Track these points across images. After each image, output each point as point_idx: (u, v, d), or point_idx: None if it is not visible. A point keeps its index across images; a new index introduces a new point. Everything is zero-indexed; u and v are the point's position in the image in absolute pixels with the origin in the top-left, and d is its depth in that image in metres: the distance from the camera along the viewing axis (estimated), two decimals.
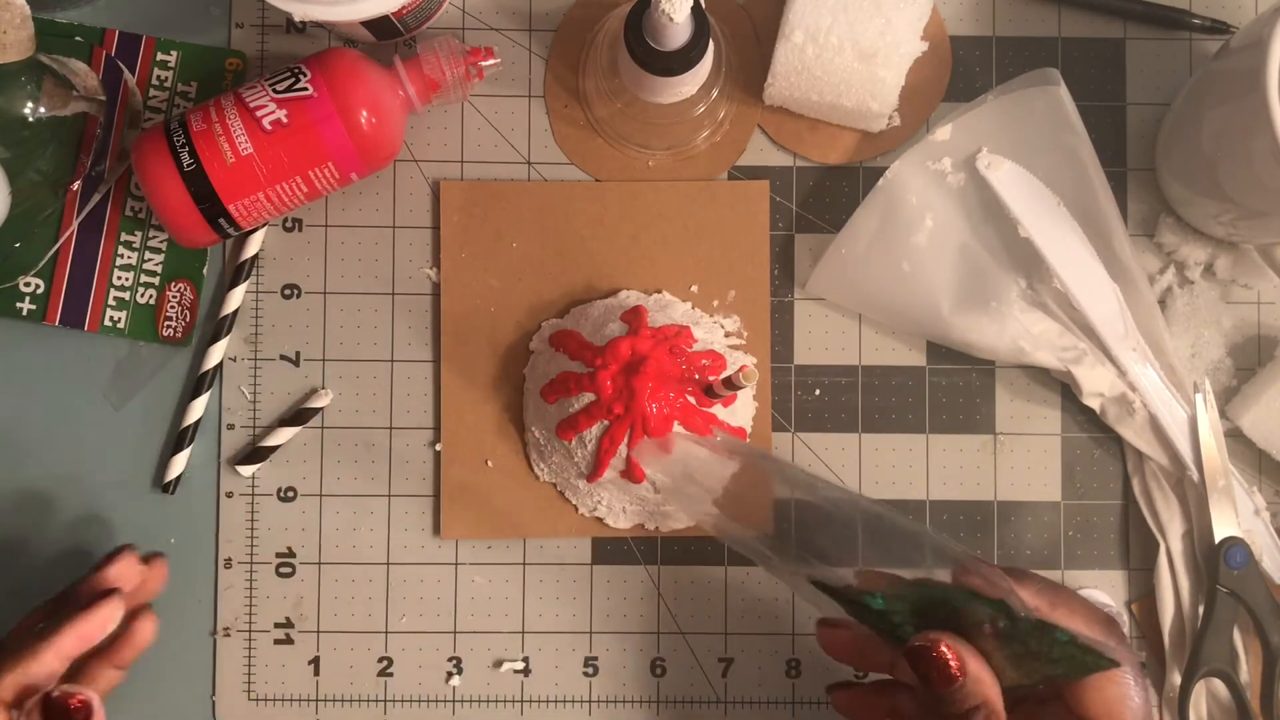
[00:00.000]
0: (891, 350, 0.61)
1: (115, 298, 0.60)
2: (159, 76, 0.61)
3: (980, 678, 0.44)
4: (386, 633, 0.61)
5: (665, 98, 0.57)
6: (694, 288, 0.61)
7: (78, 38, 0.60)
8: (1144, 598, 0.61)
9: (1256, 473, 0.61)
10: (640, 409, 0.54)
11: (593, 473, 0.57)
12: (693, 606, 0.61)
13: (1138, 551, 0.61)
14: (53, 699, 0.47)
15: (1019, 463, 0.61)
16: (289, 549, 0.61)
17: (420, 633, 0.60)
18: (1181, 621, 0.59)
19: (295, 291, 0.61)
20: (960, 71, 0.62)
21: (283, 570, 0.60)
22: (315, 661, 0.60)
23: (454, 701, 0.60)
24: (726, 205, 0.61)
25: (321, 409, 0.61)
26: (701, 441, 0.53)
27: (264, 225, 0.60)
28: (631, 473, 0.56)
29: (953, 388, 0.61)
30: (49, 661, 0.49)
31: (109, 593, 0.51)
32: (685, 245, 0.61)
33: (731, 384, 0.53)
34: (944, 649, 0.43)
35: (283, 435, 0.60)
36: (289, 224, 0.61)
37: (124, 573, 0.53)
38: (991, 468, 0.61)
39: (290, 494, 0.61)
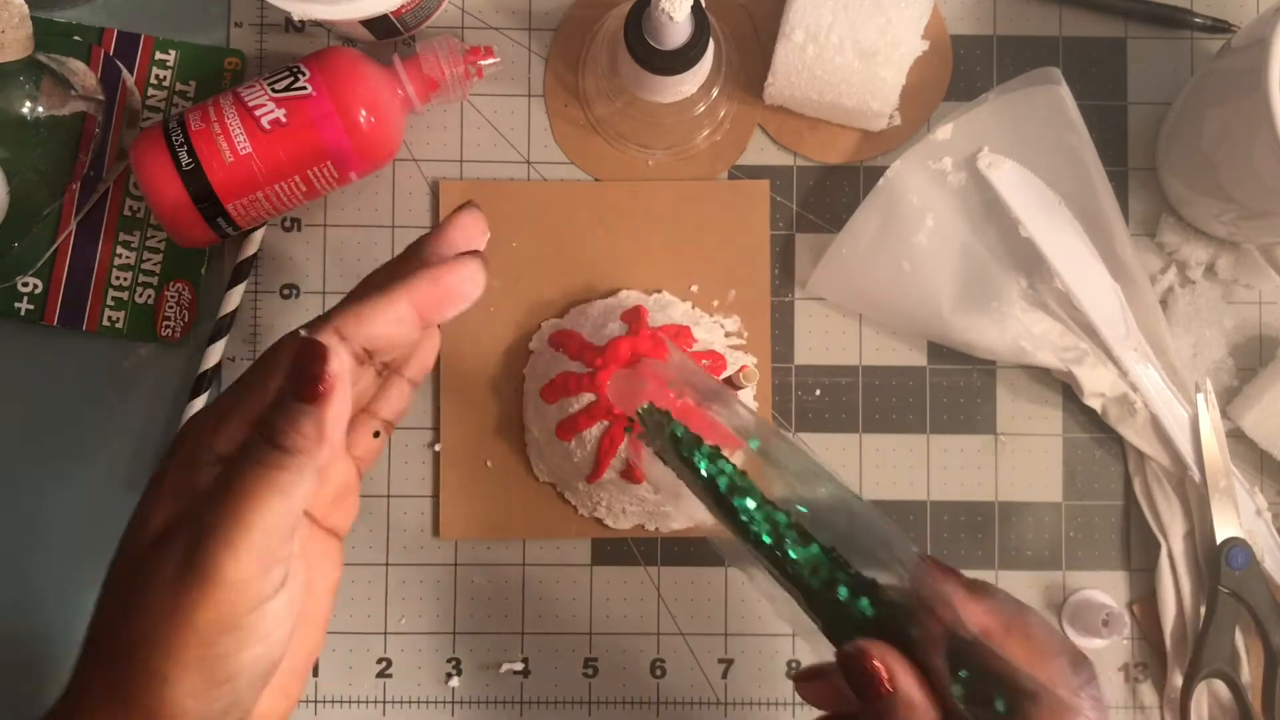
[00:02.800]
0: (892, 350, 0.61)
1: (113, 298, 0.60)
2: (157, 76, 0.61)
3: (911, 700, 0.38)
4: (385, 634, 0.60)
5: (665, 97, 0.57)
6: (694, 288, 0.61)
7: (76, 37, 0.60)
8: (1145, 598, 0.60)
9: (1258, 473, 0.61)
10: None
11: (592, 473, 0.57)
12: (693, 607, 0.61)
13: (1139, 552, 0.61)
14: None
15: (1020, 463, 0.61)
16: None
17: (419, 633, 0.60)
18: (1183, 622, 0.59)
19: (294, 291, 0.61)
20: (961, 71, 0.62)
21: None
22: (314, 663, 0.60)
23: (453, 703, 0.60)
24: (726, 205, 0.61)
25: None
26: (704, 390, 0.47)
27: (263, 225, 0.60)
28: (631, 473, 0.56)
29: (953, 388, 0.61)
30: (400, 308, 0.40)
31: (471, 252, 0.42)
32: (685, 245, 0.61)
33: (732, 384, 0.53)
34: (873, 661, 0.38)
35: None
36: (288, 224, 0.61)
37: (472, 233, 0.43)
38: (992, 468, 0.61)
39: None
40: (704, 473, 0.43)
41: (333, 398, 0.38)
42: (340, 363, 0.38)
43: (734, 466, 0.44)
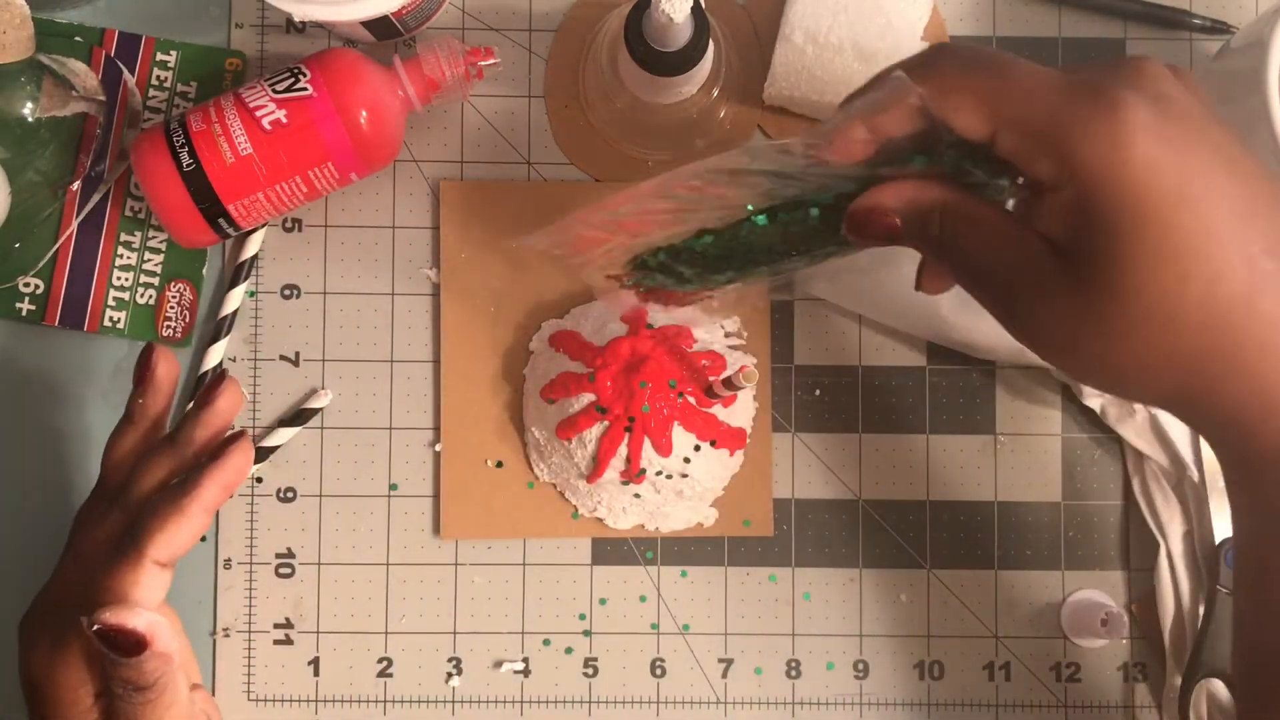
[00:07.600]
0: (891, 350, 0.61)
1: (115, 298, 0.60)
2: (159, 76, 0.61)
3: (906, 195, 0.41)
4: (386, 633, 0.60)
5: (665, 98, 0.57)
6: None
7: (77, 38, 0.60)
8: (1144, 598, 0.60)
9: None
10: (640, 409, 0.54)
11: (592, 473, 0.57)
12: (693, 606, 0.61)
13: (1138, 552, 0.61)
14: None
15: (1019, 463, 0.61)
16: (288, 549, 0.61)
17: (420, 633, 0.60)
18: (1182, 622, 0.59)
19: (295, 292, 0.61)
20: None
21: (282, 571, 0.60)
22: (315, 662, 0.60)
23: (453, 702, 0.60)
24: None
25: (321, 409, 0.61)
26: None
27: (264, 225, 0.60)
28: (631, 473, 0.56)
29: (953, 388, 0.61)
30: (198, 517, 0.47)
31: (237, 435, 0.48)
32: None
33: (731, 384, 0.53)
34: (865, 211, 0.42)
35: (283, 435, 0.60)
36: (288, 224, 0.61)
37: (232, 404, 0.50)
38: (991, 468, 0.61)
39: (290, 494, 0.61)
40: (694, 249, 0.47)
41: (151, 644, 0.44)
42: (140, 621, 0.44)
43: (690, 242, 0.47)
